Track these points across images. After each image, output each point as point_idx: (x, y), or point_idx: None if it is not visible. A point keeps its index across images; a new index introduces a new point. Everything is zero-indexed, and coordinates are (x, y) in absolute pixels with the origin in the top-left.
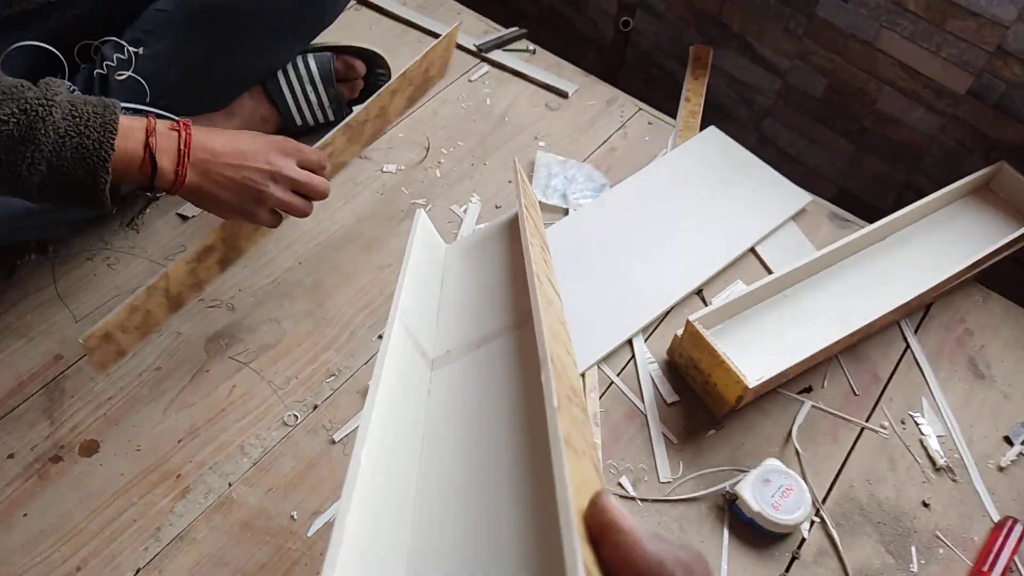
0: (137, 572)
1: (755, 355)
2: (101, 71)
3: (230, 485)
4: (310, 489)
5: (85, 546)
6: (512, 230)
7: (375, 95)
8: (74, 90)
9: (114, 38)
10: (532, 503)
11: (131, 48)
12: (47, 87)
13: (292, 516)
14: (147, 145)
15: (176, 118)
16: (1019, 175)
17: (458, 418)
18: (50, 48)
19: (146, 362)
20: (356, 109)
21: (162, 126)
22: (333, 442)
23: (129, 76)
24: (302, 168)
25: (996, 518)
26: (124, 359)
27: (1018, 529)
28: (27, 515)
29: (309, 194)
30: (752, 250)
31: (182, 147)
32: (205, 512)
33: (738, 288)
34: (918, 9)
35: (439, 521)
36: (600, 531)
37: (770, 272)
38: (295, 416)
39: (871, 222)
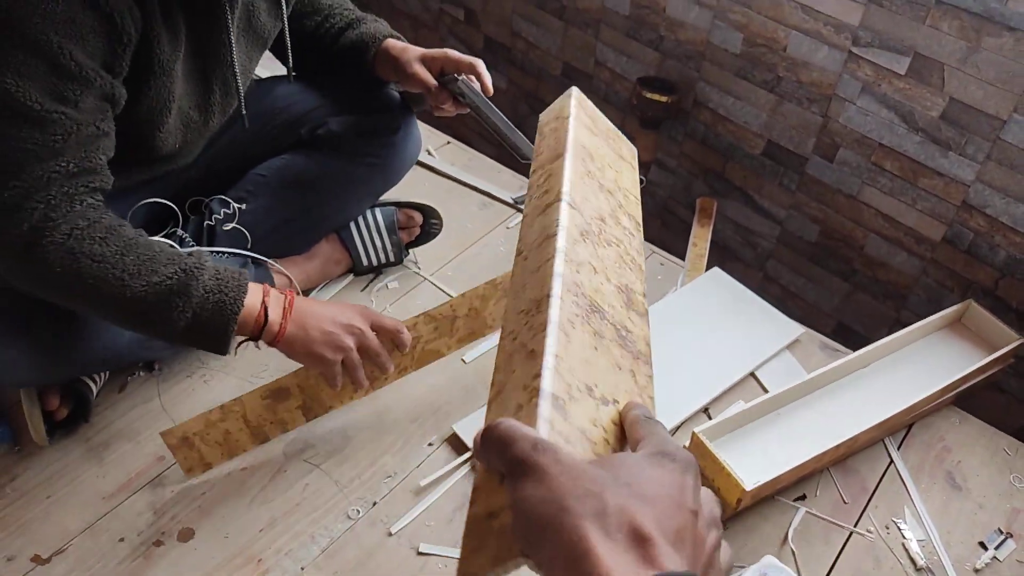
0: None
1: (753, 464)
2: (210, 222)
3: (302, 569)
4: (370, 574)
5: None
6: None
7: (462, 295)
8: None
9: (221, 196)
10: None
11: (236, 204)
12: (198, 255)
13: None
14: (263, 303)
15: (281, 271)
16: (984, 311)
17: None
18: (169, 204)
19: (233, 463)
20: (411, 251)
21: (274, 292)
22: (390, 534)
23: (234, 227)
24: (376, 329)
25: None
26: (211, 470)
27: None
28: None
29: (375, 361)
30: (752, 374)
31: (286, 307)
32: None
33: (738, 407)
34: (894, 169)
35: None
36: (628, 408)
37: (765, 390)
38: (357, 511)
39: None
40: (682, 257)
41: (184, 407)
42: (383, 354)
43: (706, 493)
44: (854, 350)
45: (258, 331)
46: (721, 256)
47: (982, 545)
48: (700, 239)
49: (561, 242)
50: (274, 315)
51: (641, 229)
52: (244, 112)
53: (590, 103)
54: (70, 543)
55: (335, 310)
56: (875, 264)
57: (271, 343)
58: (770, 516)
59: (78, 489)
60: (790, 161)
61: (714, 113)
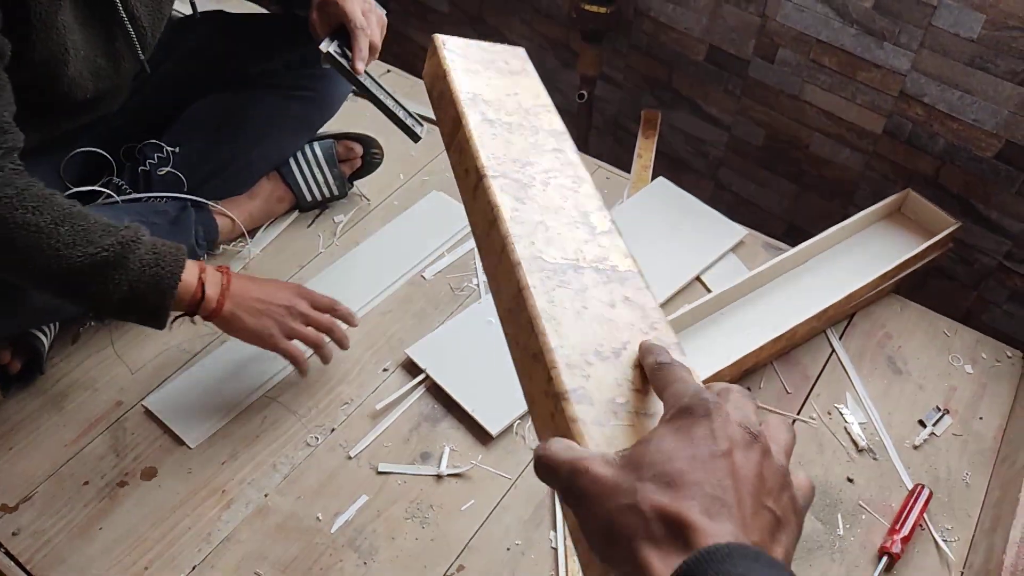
0: (194, 568)
1: (698, 362)
2: (145, 168)
3: (266, 496)
4: (331, 495)
5: (150, 551)
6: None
7: None
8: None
9: (154, 140)
10: None
11: (169, 148)
12: (137, 229)
13: (318, 517)
14: (200, 279)
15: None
16: (922, 198)
17: None
18: (102, 152)
19: None
20: (354, 183)
21: (211, 269)
22: (349, 457)
23: (168, 171)
24: (316, 308)
25: (910, 487)
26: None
27: (925, 493)
28: (102, 529)
29: (320, 328)
30: (698, 278)
31: (224, 284)
32: (246, 518)
33: (682, 308)
34: (832, 64)
35: None
36: (642, 355)
37: (709, 291)
38: (316, 438)
39: None
40: (631, 171)
41: (139, 352)
42: (336, 328)
43: (774, 420)
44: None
45: (195, 306)
46: (674, 167)
47: (921, 423)
48: (645, 150)
49: (506, 226)
50: (211, 291)
51: (566, 133)
52: (143, 57)
53: (458, 40)
54: (36, 490)
55: (271, 289)
56: (820, 163)
57: (208, 318)
58: None
59: (39, 438)
60: (732, 65)
61: (656, 21)
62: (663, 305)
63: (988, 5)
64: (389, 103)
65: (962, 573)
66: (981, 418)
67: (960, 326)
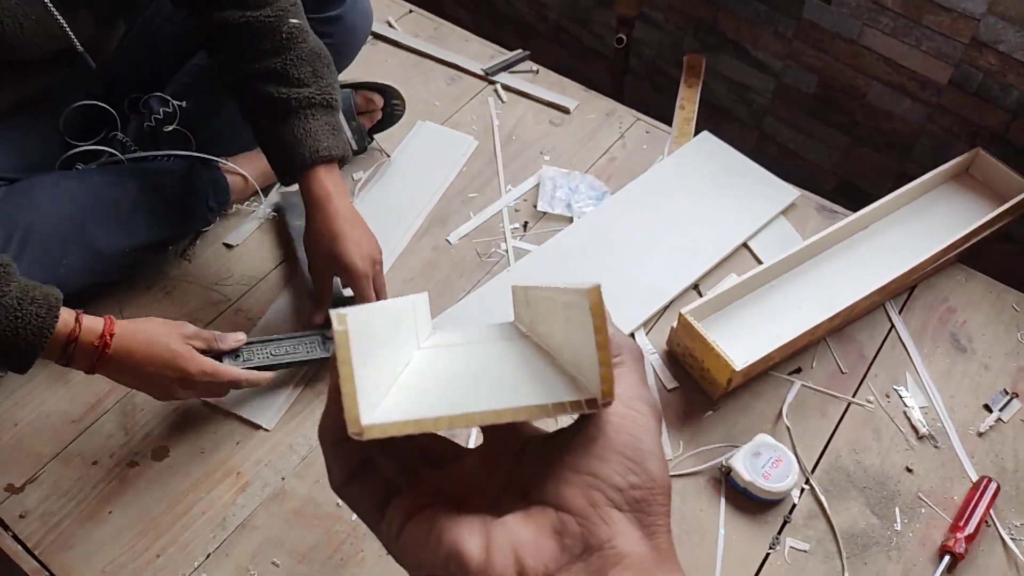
0: (208, 556)
1: (744, 341)
2: (150, 123)
3: (283, 479)
4: None
5: (163, 536)
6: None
7: None
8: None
9: (159, 93)
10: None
11: (175, 102)
12: (6, 265)
13: (337, 504)
14: (66, 352)
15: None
16: (993, 159)
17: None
18: (102, 105)
19: None
20: (374, 137)
21: (85, 337)
22: None
23: (176, 128)
24: (206, 350)
25: (975, 478)
26: None
27: (992, 487)
28: (112, 512)
29: (210, 394)
30: (745, 245)
31: (94, 361)
32: (263, 502)
33: (731, 280)
34: (896, 6)
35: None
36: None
37: (759, 262)
38: None
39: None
40: (671, 123)
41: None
42: (240, 382)
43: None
44: (854, 210)
45: (65, 362)
46: (715, 116)
47: (987, 408)
48: (688, 101)
49: None
50: (81, 364)
51: None
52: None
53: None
54: (42, 470)
55: (156, 352)
56: (878, 114)
57: (88, 372)
58: (763, 393)
59: (45, 415)
60: (785, 5)
61: None
62: (708, 274)
63: None
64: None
65: None
66: None
67: None
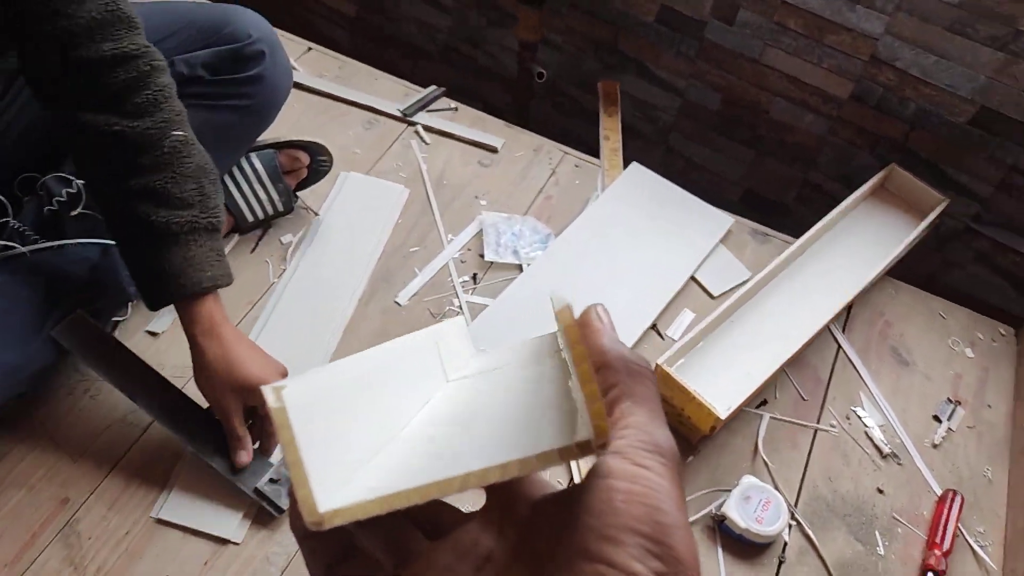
0: None
1: (718, 384)
2: (52, 207)
3: None
4: None
5: None
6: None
7: None
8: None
9: (59, 173)
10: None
11: (78, 181)
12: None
13: None
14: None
15: None
16: (907, 174)
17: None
18: None
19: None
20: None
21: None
22: None
23: (81, 212)
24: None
25: (938, 491)
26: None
27: (957, 500)
28: None
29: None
30: (692, 277)
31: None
32: None
33: (686, 316)
34: (798, 27)
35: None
36: (585, 320)
37: (710, 295)
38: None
39: (781, 223)
40: (590, 151)
41: (74, 432)
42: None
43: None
44: (768, 218)
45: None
46: (622, 134)
47: (936, 419)
48: (611, 130)
49: None
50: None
51: None
52: None
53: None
54: None
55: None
56: (781, 128)
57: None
58: (738, 429)
59: None
60: (687, 27)
61: None
62: (663, 312)
63: None
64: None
65: None
66: (990, 406)
67: (954, 306)
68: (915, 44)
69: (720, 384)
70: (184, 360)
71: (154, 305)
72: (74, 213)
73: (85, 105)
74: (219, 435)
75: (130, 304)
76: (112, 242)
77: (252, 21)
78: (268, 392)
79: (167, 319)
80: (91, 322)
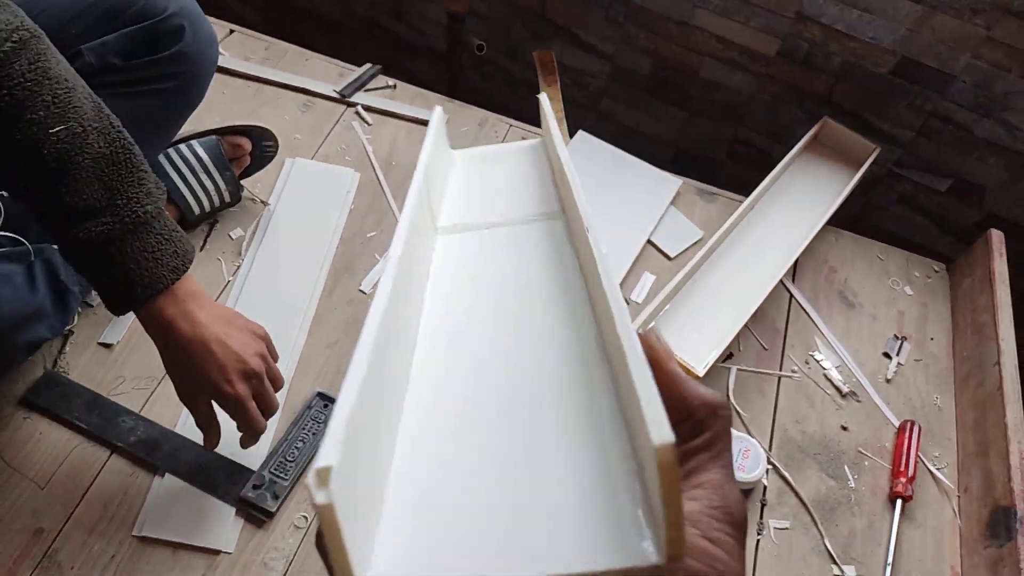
0: None
1: (690, 343)
2: None
3: None
4: None
5: None
6: (538, 153)
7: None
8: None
9: None
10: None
11: None
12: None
13: None
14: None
15: None
16: (839, 125)
17: (471, 284)
18: None
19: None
20: (245, 184)
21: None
22: None
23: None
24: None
25: (896, 423)
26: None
27: (916, 429)
28: None
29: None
30: (649, 241)
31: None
32: None
33: (648, 279)
34: None
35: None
36: (656, 359)
37: (667, 257)
38: (305, 517)
39: (714, 180)
40: (527, 121)
41: (37, 459)
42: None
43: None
44: (698, 176)
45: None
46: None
47: (886, 355)
48: (553, 99)
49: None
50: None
51: None
52: None
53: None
54: None
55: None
56: (711, 87)
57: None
58: (709, 383)
59: None
60: None
61: None
62: (625, 278)
63: None
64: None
65: (959, 497)
66: (932, 338)
67: (890, 248)
68: (840, 0)
69: (694, 343)
70: (144, 370)
71: (116, 313)
72: None
73: None
74: (192, 455)
75: (76, 315)
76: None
77: None
78: (312, 481)
79: (120, 328)
80: (63, 378)
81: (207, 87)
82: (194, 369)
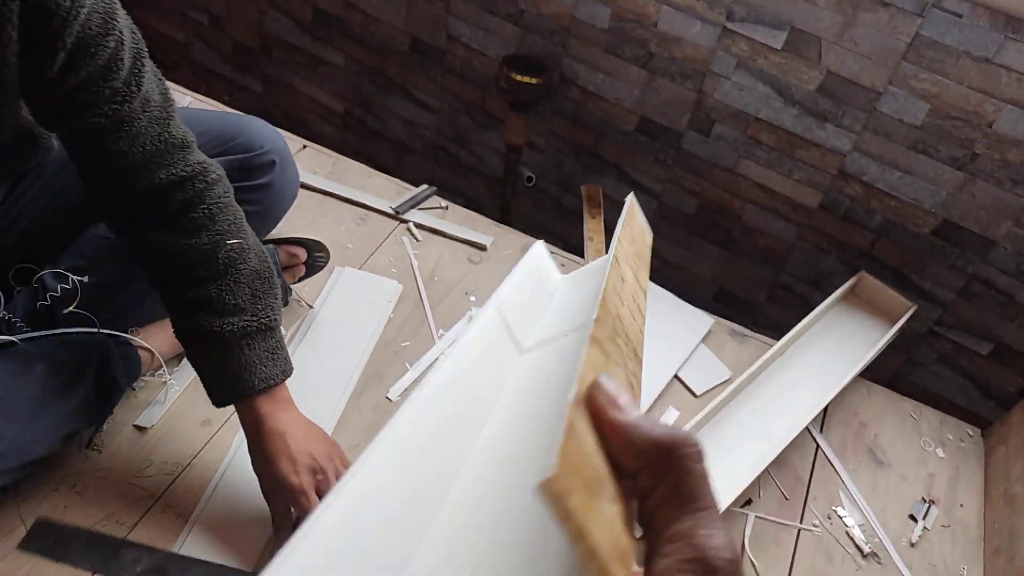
0: None
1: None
2: (45, 303)
3: None
4: None
5: None
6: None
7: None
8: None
9: (56, 269)
10: None
11: (75, 277)
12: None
13: None
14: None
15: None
16: (876, 280)
17: (523, 409)
18: None
19: None
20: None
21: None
22: None
23: (75, 310)
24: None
25: None
26: None
27: None
28: None
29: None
30: (676, 376)
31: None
32: None
33: (671, 414)
34: (770, 142)
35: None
36: (596, 411)
37: (693, 394)
38: None
39: (752, 321)
40: (568, 248)
41: None
42: None
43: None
44: (741, 315)
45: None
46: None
47: (912, 518)
48: (595, 232)
49: None
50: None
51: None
52: None
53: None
54: None
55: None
56: (753, 232)
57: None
58: (725, 529)
59: None
60: (665, 136)
61: (583, 90)
62: (649, 411)
63: (932, 95)
64: None
65: None
66: (962, 505)
67: (923, 407)
68: (881, 161)
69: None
70: (172, 456)
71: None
72: (67, 311)
73: (146, 226)
74: (204, 573)
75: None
76: (107, 332)
77: (264, 132)
78: None
79: (155, 413)
80: (56, 523)
81: (283, 216)
82: (271, 459)
